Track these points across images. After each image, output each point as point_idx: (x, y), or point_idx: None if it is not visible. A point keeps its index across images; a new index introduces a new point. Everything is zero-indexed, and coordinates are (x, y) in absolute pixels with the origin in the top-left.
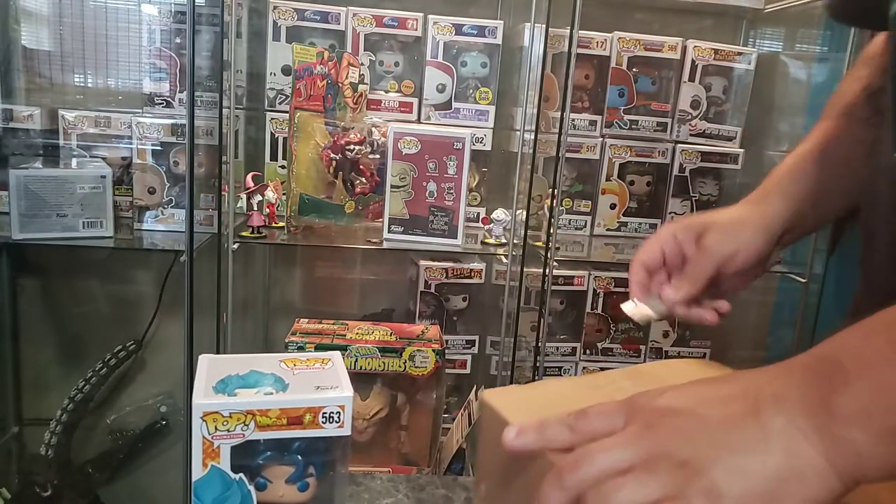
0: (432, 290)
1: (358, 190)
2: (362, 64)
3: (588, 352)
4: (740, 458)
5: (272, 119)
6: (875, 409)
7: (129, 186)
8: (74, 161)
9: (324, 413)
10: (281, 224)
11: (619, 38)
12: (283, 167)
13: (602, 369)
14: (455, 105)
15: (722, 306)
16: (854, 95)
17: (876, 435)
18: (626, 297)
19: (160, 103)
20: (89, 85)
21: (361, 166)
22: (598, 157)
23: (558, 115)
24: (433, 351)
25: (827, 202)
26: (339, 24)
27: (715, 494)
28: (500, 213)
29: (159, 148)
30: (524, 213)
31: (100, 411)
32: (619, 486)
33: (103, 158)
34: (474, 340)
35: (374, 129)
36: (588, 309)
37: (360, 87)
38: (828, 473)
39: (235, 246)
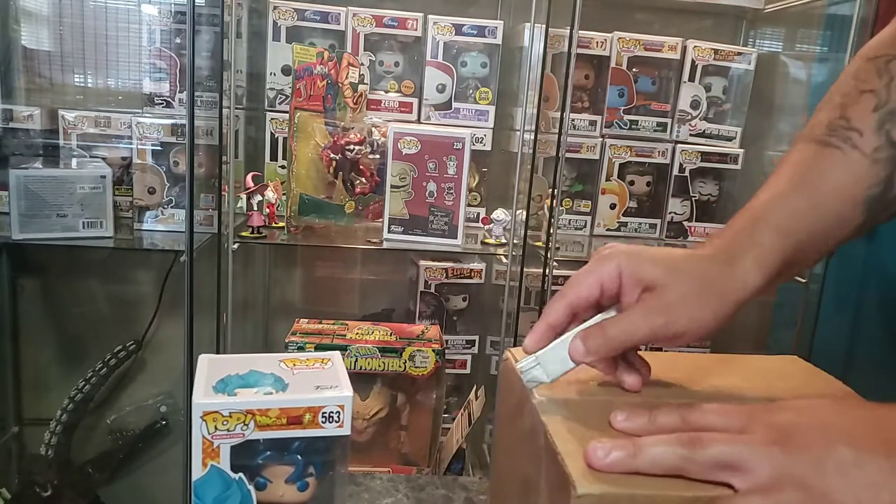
0: (432, 290)
1: (358, 190)
2: (362, 64)
3: None
4: (868, 492)
5: (272, 119)
6: None
7: (129, 186)
8: (74, 161)
9: (323, 413)
10: (281, 224)
11: (619, 38)
12: (283, 167)
13: None
14: (455, 105)
15: (644, 369)
16: (860, 116)
17: None
18: None
19: (160, 103)
20: (89, 85)
21: (361, 166)
22: (597, 157)
23: (558, 115)
24: (433, 351)
25: (817, 247)
26: (339, 24)
27: None
28: (500, 213)
29: (159, 148)
30: (524, 213)
31: (100, 411)
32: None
33: (103, 158)
34: (474, 340)
35: (374, 129)
36: None
37: (360, 87)
38: None
39: (235, 246)
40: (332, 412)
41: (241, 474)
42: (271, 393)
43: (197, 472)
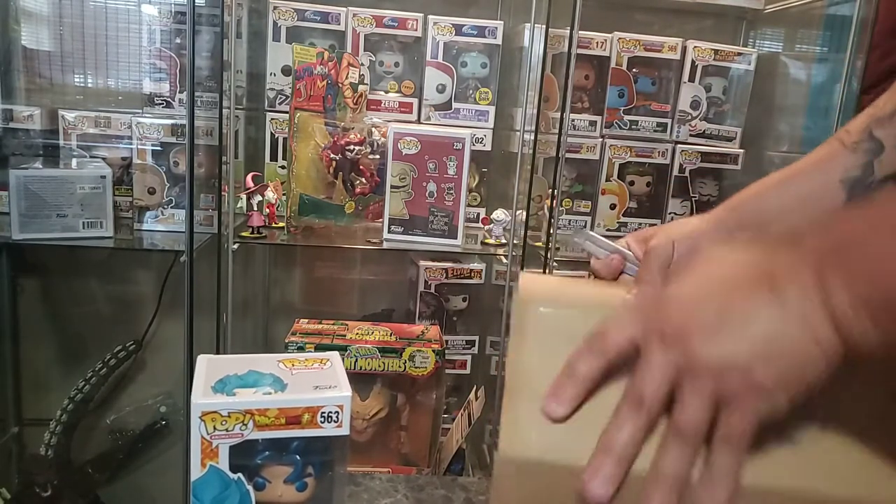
0: (432, 290)
1: (358, 190)
2: (362, 64)
3: None
4: (756, 328)
5: (272, 119)
6: (877, 297)
7: (129, 186)
8: (74, 161)
9: (322, 413)
10: (281, 224)
11: (619, 38)
12: (283, 167)
13: None
14: (455, 105)
15: None
16: (856, 123)
17: (874, 323)
18: None
19: (160, 103)
20: (89, 85)
21: (361, 166)
22: (597, 157)
23: (558, 115)
24: (433, 351)
25: (784, 203)
26: (339, 24)
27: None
28: (499, 214)
29: (159, 148)
30: (524, 213)
31: (100, 411)
32: (665, 451)
33: (103, 158)
34: (474, 340)
35: (374, 129)
36: None
37: (360, 88)
38: (836, 342)
39: (235, 246)
40: (330, 412)
41: (239, 474)
42: (270, 393)
43: (196, 472)
